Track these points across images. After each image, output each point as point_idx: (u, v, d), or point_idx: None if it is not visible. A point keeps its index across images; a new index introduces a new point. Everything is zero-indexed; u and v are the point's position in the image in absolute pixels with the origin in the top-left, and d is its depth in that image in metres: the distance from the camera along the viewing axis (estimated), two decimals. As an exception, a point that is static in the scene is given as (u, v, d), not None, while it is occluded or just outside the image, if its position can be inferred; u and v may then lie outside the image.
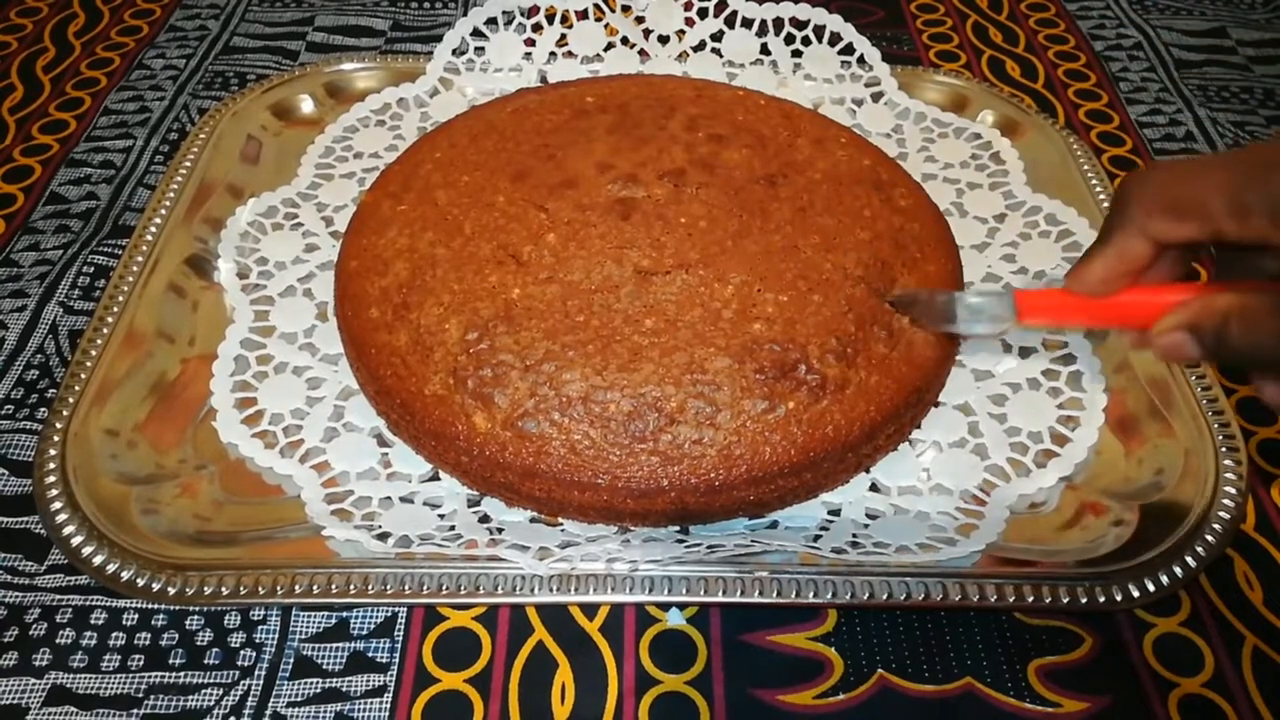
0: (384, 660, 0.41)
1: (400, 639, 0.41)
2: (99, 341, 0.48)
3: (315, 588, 0.40)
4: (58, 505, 0.42)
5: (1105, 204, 0.58)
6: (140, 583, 0.39)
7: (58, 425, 0.44)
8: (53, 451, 0.43)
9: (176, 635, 0.41)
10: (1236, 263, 0.34)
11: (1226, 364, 0.35)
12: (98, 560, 0.40)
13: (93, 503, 0.42)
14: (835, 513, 0.44)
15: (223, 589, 0.39)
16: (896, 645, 0.42)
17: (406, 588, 0.40)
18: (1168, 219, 0.32)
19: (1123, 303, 0.36)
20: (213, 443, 0.46)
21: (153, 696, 0.39)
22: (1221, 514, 0.42)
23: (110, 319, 0.49)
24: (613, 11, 0.66)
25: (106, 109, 0.68)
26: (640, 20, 0.67)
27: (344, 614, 0.42)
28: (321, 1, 0.80)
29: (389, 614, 0.42)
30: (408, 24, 0.78)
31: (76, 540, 0.41)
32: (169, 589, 0.39)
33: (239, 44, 0.75)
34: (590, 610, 0.42)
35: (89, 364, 0.47)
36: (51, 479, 0.43)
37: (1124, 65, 0.76)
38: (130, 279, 0.51)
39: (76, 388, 0.46)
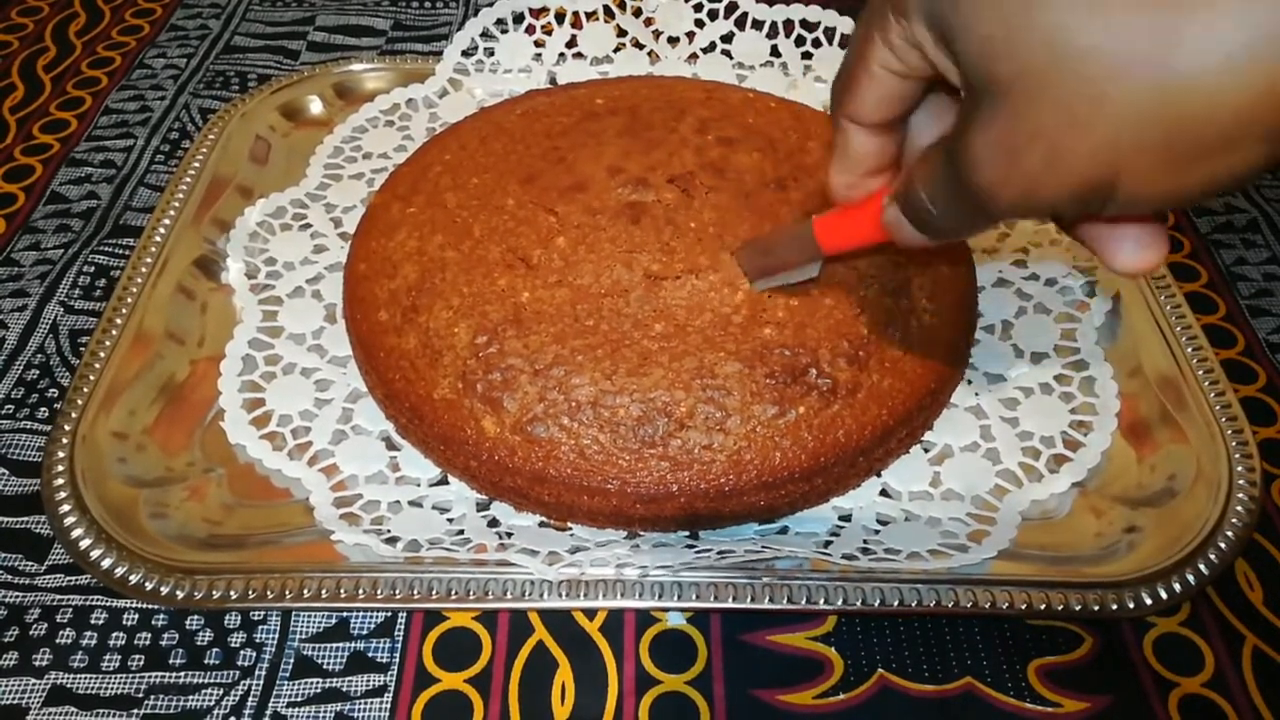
0: (384, 660, 0.41)
1: (400, 639, 0.41)
2: (107, 343, 0.48)
3: (324, 592, 0.39)
4: (66, 508, 0.41)
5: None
6: (149, 587, 0.39)
7: (66, 428, 0.44)
8: (61, 454, 0.43)
9: (177, 635, 0.41)
10: None
11: (939, 235, 0.30)
12: (106, 564, 0.40)
13: (101, 506, 0.42)
14: (846, 518, 0.44)
15: (231, 593, 0.39)
16: (896, 645, 0.42)
17: (415, 592, 0.39)
18: (846, 93, 0.30)
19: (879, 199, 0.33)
20: (221, 445, 0.46)
21: (153, 696, 0.39)
22: (1234, 521, 0.42)
23: (119, 320, 0.49)
24: (622, 13, 0.66)
25: (107, 108, 0.68)
26: (650, 22, 0.67)
27: (344, 614, 0.42)
28: (322, 1, 0.79)
29: (389, 614, 0.42)
30: (409, 23, 0.78)
31: (85, 544, 0.40)
32: (177, 593, 0.39)
33: (240, 43, 0.75)
34: (591, 610, 0.42)
35: (97, 366, 0.47)
36: (60, 481, 0.42)
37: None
38: (139, 280, 0.51)
39: (85, 390, 0.46)
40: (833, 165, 0.33)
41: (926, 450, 0.46)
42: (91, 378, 0.46)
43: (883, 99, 0.30)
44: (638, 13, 0.66)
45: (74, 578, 0.43)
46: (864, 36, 0.29)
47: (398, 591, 0.39)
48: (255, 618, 0.42)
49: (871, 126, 0.32)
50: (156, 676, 0.40)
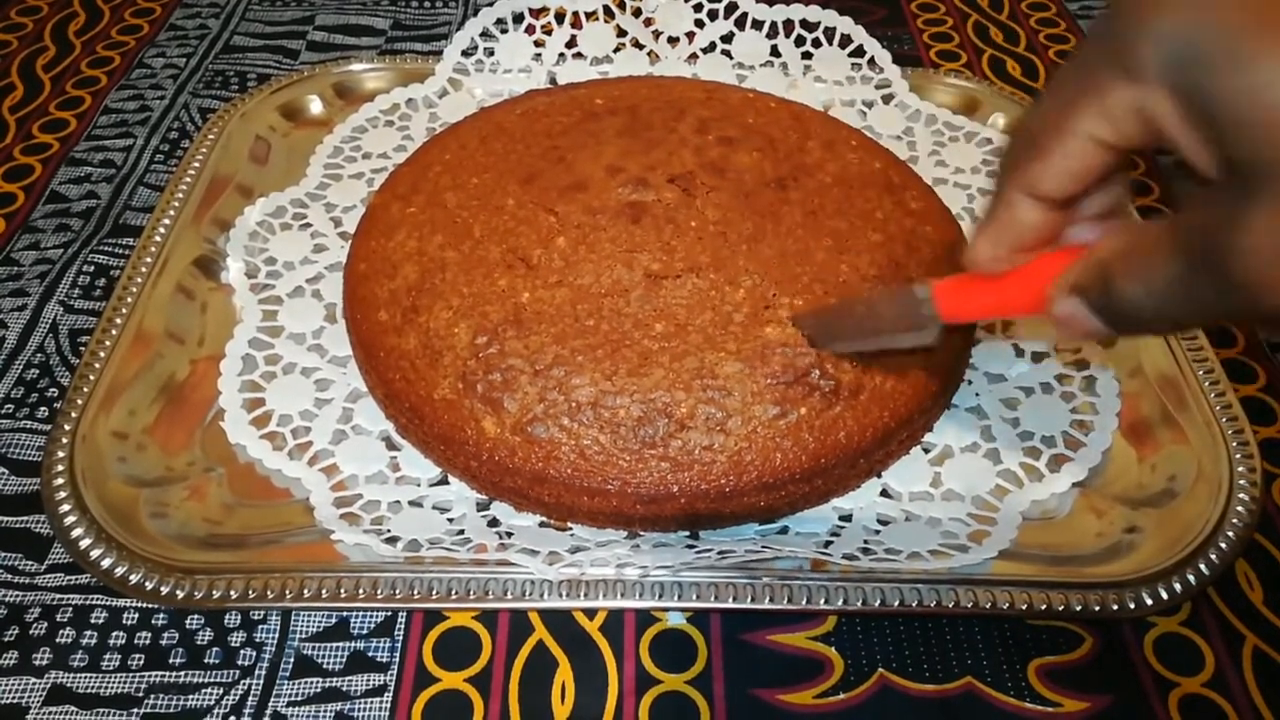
0: (384, 660, 0.41)
1: (400, 638, 0.41)
2: (107, 343, 0.48)
3: (324, 592, 0.39)
4: (66, 508, 0.41)
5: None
6: (149, 586, 0.39)
7: (66, 427, 0.44)
8: (61, 454, 0.43)
9: (177, 634, 0.41)
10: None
11: (1135, 330, 0.27)
12: (106, 564, 0.40)
13: (101, 506, 0.41)
14: (846, 518, 0.44)
15: (231, 593, 0.39)
16: (897, 645, 0.42)
17: (415, 592, 0.39)
18: (1035, 162, 0.26)
19: (1036, 279, 0.29)
20: (221, 445, 0.46)
21: (153, 696, 0.39)
22: (1235, 521, 0.42)
23: (119, 320, 0.49)
24: (622, 13, 0.66)
25: (107, 108, 0.68)
26: (650, 22, 0.67)
27: (344, 614, 0.42)
28: (322, 1, 0.79)
29: (389, 613, 0.42)
30: (408, 23, 0.78)
31: (85, 543, 0.40)
32: (177, 593, 0.39)
33: (239, 43, 0.75)
34: (591, 610, 0.42)
35: (97, 365, 0.47)
36: (60, 481, 0.42)
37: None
38: (139, 280, 0.51)
39: (85, 389, 0.46)
40: (982, 235, 0.30)
41: (927, 451, 0.46)
42: (91, 377, 0.46)
43: (1074, 172, 0.27)
44: (638, 13, 0.66)
45: (74, 577, 0.43)
46: (1065, 98, 0.25)
47: (398, 591, 0.39)
48: (255, 617, 0.42)
49: (1046, 200, 0.28)
50: (156, 676, 0.40)
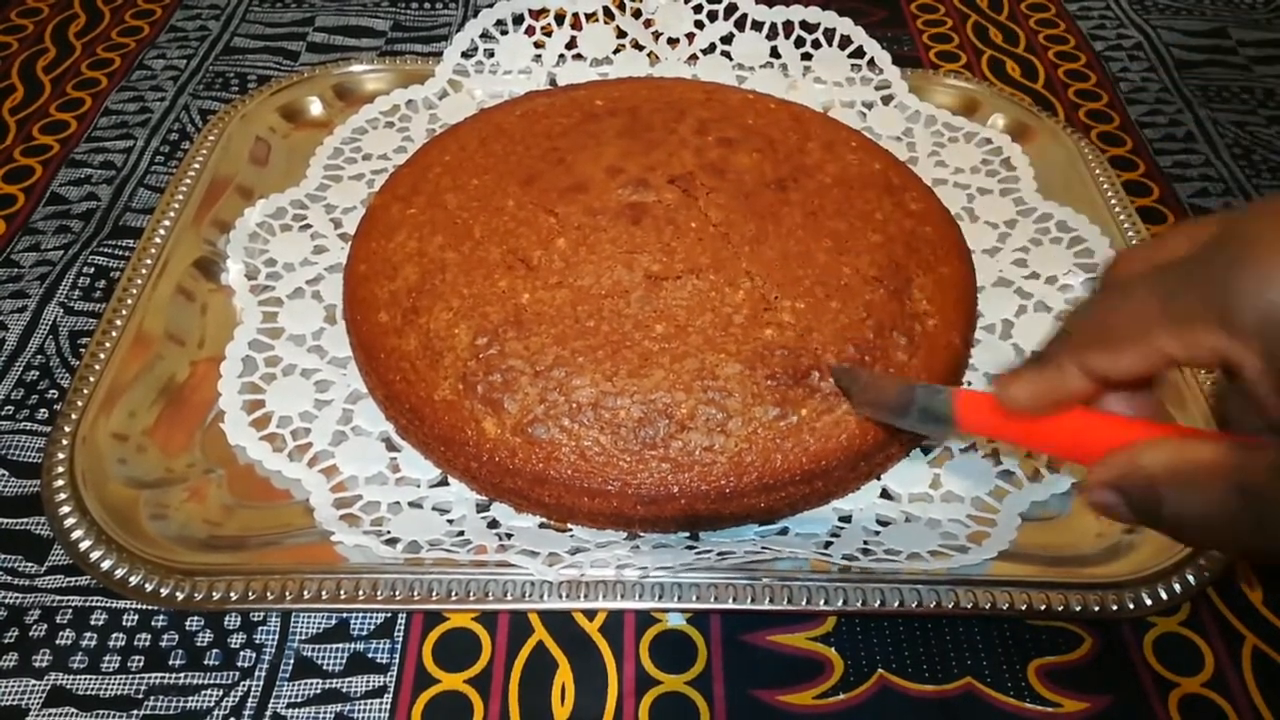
0: (384, 661, 0.41)
1: (400, 640, 0.41)
2: (107, 344, 0.48)
3: (324, 593, 0.39)
4: (66, 510, 0.41)
5: (1117, 209, 0.57)
6: (149, 588, 0.39)
7: (66, 429, 0.44)
8: (61, 455, 0.43)
9: (176, 636, 0.41)
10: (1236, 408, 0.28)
11: (1171, 536, 0.28)
12: (106, 565, 0.40)
13: (101, 508, 0.42)
14: (846, 519, 0.44)
15: (231, 594, 0.39)
16: (896, 645, 0.42)
17: (415, 593, 0.39)
18: (1105, 351, 0.27)
19: (1064, 429, 0.30)
20: (221, 446, 0.46)
21: (153, 697, 0.39)
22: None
23: (119, 322, 0.49)
24: (622, 14, 0.66)
25: (107, 109, 0.68)
26: (650, 23, 0.67)
27: (344, 615, 0.42)
28: (322, 2, 0.79)
29: (389, 615, 0.42)
30: (408, 24, 0.78)
31: (85, 545, 0.40)
32: (177, 594, 0.39)
33: (240, 44, 0.75)
34: (590, 611, 0.42)
35: (97, 367, 0.47)
36: (60, 483, 0.42)
37: (1124, 65, 0.76)
38: (139, 281, 0.51)
39: (85, 391, 0.46)
40: (1025, 382, 0.30)
41: (926, 452, 0.46)
42: (91, 379, 0.46)
43: (1137, 372, 0.27)
44: (637, 14, 0.66)
45: (74, 579, 0.43)
46: (1150, 315, 0.26)
47: (397, 593, 0.39)
48: (255, 619, 0.42)
49: (1099, 380, 0.29)
50: (156, 677, 0.40)
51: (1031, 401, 0.30)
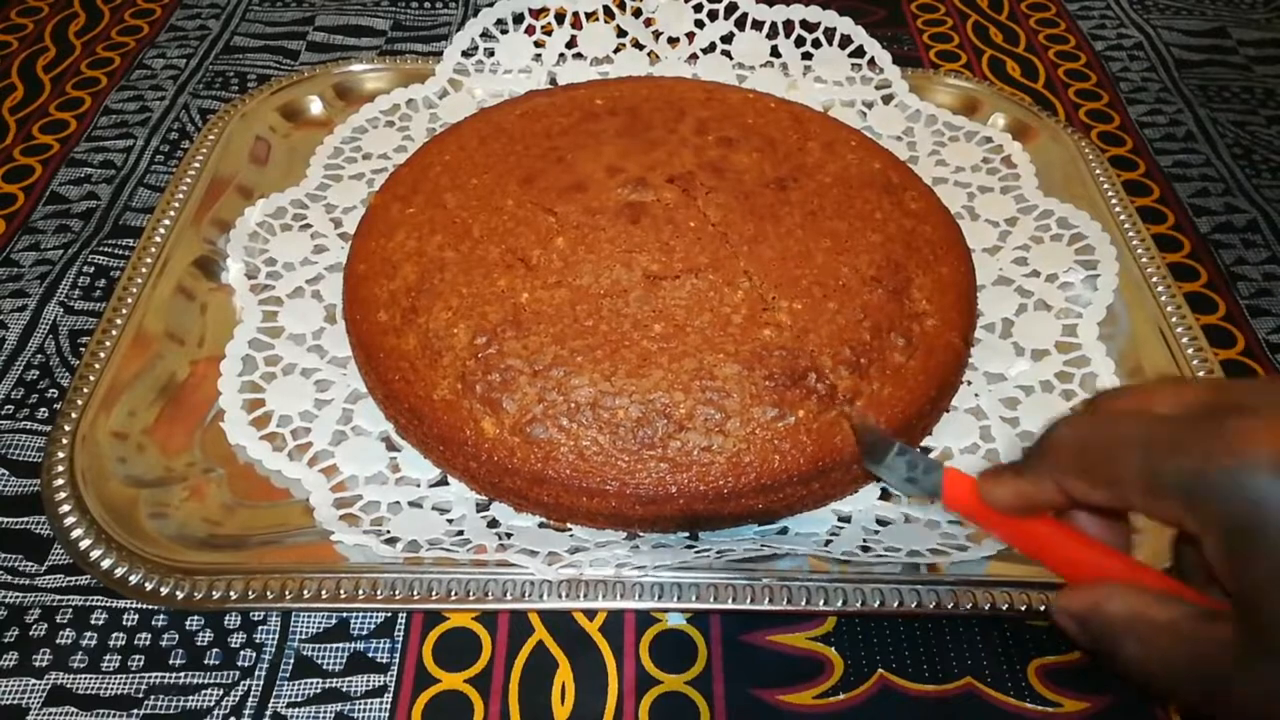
0: (384, 660, 0.41)
1: (400, 639, 0.41)
2: (107, 343, 0.48)
3: (324, 593, 0.39)
4: (66, 509, 0.41)
5: (1117, 209, 0.57)
6: (149, 587, 0.39)
7: (66, 428, 0.44)
8: (61, 454, 0.43)
9: (177, 636, 0.41)
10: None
11: (1121, 676, 0.29)
12: (106, 564, 0.40)
13: (101, 506, 0.42)
14: (845, 519, 0.44)
15: (231, 594, 0.39)
16: (896, 645, 0.42)
17: (415, 593, 0.39)
18: (1081, 480, 0.29)
19: (1035, 535, 0.32)
20: (221, 445, 0.46)
21: (153, 697, 0.39)
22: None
23: (119, 321, 0.49)
24: (622, 13, 0.66)
25: (107, 109, 0.68)
26: (650, 22, 0.67)
27: (344, 614, 0.42)
28: (322, 1, 0.79)
29: (389, 614, 0.42)
30: (408, 24, 0.78)
31: (85, 544, 0.40)
32: (177, 594, 0.39)
33: (239, 44, 0.75)
34: (590, 610, 0.42)
35: (97, 366, 0.47)
36: (60, 482, 0.42)
37: (1124, 65, 0.76)
38: (139, 280, 0.51)
39: (85, 390, 0.46)
40: (1006, 485, 0.32)
41: (927, 452, 0.46)
42: (91, 378, 0.46)
43: (1110, 507, 0.30)
44: (638, 13, 0.66)
45: (74, 578, 0.43)
46: (1129, 473, 0.27)
47: (397, 592, 0.39)
48: (255, 618, 0.42)
49: (1072, 499, 0.30)
50: (156, 677, 0.40)
51: (1008, 502, 0.32)
